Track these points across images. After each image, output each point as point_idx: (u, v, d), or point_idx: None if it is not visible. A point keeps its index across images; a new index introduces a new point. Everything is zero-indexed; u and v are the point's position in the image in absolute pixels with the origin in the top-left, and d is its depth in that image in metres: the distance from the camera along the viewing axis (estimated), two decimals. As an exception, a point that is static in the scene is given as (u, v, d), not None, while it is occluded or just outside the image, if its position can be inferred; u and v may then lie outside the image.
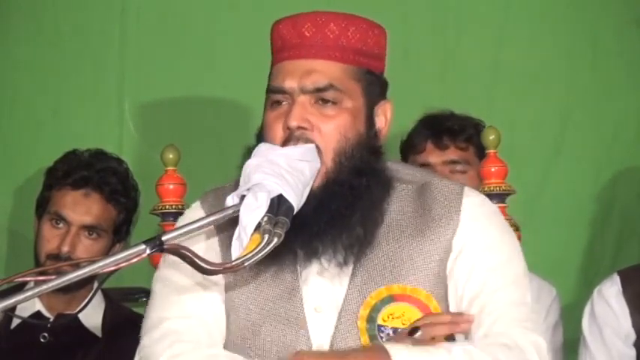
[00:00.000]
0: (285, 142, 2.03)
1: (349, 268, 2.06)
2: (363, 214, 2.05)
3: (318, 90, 2.04)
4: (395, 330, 2.00)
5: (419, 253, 2.05)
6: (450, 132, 3.15)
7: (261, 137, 2.08)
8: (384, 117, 2.13)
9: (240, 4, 3.73)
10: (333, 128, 2.04)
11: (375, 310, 2.02)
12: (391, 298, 2.03)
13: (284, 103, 2.06)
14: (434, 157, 3.14)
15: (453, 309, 2.05)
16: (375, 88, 2.10)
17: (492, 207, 2.16)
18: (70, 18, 3.69)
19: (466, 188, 2.14)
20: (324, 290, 2.06)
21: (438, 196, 2.09)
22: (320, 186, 2.02)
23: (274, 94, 2.07)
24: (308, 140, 2.02)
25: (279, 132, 2.04)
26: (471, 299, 2.02)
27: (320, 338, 2.03)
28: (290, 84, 2.05)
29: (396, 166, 2.17)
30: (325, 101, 2.04)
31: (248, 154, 2.01)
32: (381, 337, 2.00)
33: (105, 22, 3.69)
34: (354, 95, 2.06)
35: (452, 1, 3.77)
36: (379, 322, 2.02)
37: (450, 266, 2.06)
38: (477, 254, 2.05)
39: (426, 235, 2.06)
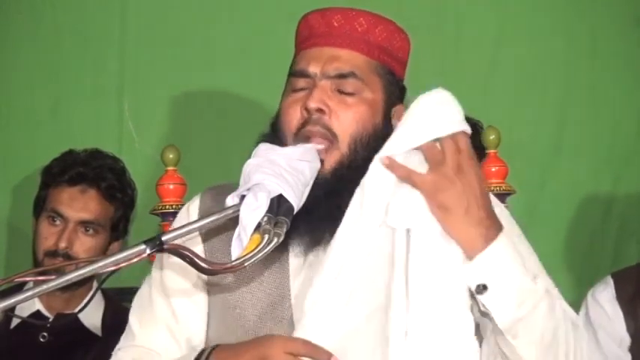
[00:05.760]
0: (302, 126, 2.03)
1: None
2: None
3: (341, 76, 2.05)
4: None
5: None
6: None
7: (275, 123, 2.09)
8: (398, 121, 2.11)
9: (240, 4, 3.74)
10: (352, 116, 2.04)
11: None
12: None
13: (304, 88, 2.06)
14: None
15: None
16: (394, 89, 2.11)
17: (505, 209, 2.17)
18: (69, 17, 3.69)
19: None
20: None
21: None
22: (332, 170, 2.02)
23: (296, 78, 2.08)
24: (325, 126, 2.03)
25: (295, 115, 2.05)
26: None
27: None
28: (313, 68, 2.06)
29: None
30: (345, 89, 2.05)
31: (261, 141, 2.03)
32: None
33: (104, 21, 3.69)
34: (375, 89, 2.08)
35: (451, 1, 3.77)
36: None
37: None
38: None
39: None
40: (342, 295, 1.93)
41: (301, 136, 2.03)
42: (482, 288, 1.89)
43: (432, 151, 1.92)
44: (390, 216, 1.93)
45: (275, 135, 2.06)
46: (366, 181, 1.95)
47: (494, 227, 1.92)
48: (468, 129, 1.96)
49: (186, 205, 2.22)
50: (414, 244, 1.91)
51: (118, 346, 2.15)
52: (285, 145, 2.02)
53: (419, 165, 1.93)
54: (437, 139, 1.93)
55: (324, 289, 1.94)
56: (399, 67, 2.14)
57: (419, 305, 1.89)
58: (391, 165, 1.93)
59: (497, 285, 1.89)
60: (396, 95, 2.11)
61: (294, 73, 2.10)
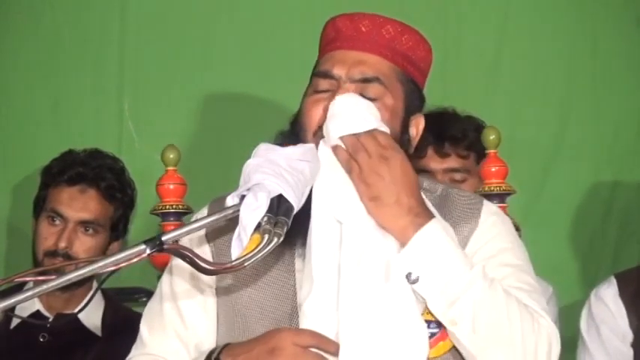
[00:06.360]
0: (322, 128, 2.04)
1: None
2: None
3: (365, 80, 2.06)
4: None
5: None
6: (451, 139, 3.14)
7: (296, 122, 2.10)
8: (416, 130, 2.14)
9: (240, 4, 3.74)
10: None
11: None
12: None
13: (328, 90, 2.07)
14: (435, 163, 3.12)
15: None
16: (414, 98, 2.12)
17: (508, 219, 2.18)
18: (69, 16, 3.69)
19: (484, 200, 2.16)
20: None
21: (459, 203, 2.10)
22: None
23: (320, 79, 2.09)
24: None
25: (317, 115, 2.06)
26: None
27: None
28: (338, 71, 2.07)
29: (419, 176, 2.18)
30: (368, 94, 2.05)
31: (279, 138, 2.06)
32: None
33: (104, 21, 3.69)
34: (396, 96, 2.08)
35: (452, 0, 3.77)
36: None
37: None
38: (494, 253, 2.04)
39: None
40: (330, 290, 1.94)
41: (322, 137, 2.04)
42: (414, 278, 1.91)
43: (354, 144, 1.97)
44: (330, 208, 1.97)
45: (294, 133, 2.08)
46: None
47: (425, 214, 1.96)
48: (385, 129, 2.02)
49: (194, 217, 2.22)
50: (345, 238, 1.94)
51: (129, 356, 2.15)
52: (303, 143, 2.03)
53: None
54: (355, 135, 1.99)
55: (315, 288, 1.95)
56: (420, 77, 2.16)
57: (348, 303, 1.90)
58: (334, 148, 1.99)
59: (427, 270, 1.91)
60: (415, 105, 2.13)
61: (318, 73, 2.10)
